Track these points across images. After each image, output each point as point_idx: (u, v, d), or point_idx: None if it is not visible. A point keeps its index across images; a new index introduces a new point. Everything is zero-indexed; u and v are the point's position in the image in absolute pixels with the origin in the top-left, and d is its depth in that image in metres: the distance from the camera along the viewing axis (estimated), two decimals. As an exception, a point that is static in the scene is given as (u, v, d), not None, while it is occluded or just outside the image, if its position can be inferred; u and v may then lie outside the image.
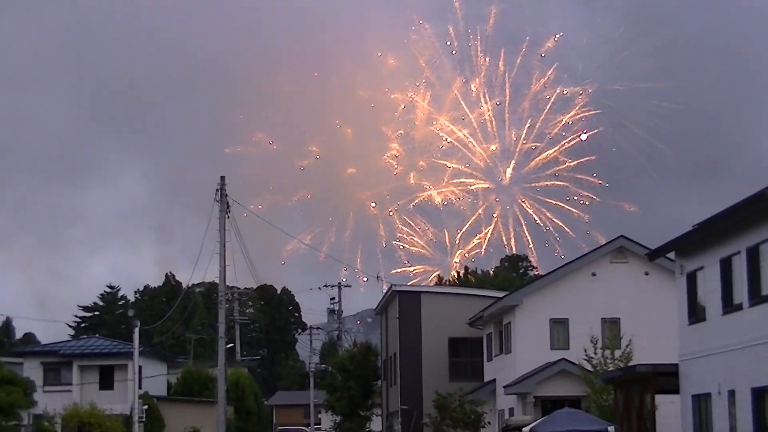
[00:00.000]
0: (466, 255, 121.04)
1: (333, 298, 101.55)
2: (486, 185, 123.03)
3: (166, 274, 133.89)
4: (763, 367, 26.34)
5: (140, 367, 62.29)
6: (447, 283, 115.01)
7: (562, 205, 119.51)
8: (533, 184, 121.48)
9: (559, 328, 48.28)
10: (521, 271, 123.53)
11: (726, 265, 28.75)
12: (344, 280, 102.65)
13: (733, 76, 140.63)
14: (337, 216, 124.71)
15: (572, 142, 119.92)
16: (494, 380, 53.09)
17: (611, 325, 47.17)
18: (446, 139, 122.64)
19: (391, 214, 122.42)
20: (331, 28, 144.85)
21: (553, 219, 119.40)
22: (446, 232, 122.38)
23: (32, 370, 68.90)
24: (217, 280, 57.82)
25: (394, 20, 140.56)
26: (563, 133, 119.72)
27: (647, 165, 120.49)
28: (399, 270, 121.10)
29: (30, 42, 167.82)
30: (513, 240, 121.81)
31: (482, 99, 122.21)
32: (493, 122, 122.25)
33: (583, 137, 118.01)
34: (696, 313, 31.10)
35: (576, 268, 49.17)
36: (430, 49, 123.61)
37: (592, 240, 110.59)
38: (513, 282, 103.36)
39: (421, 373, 59.88)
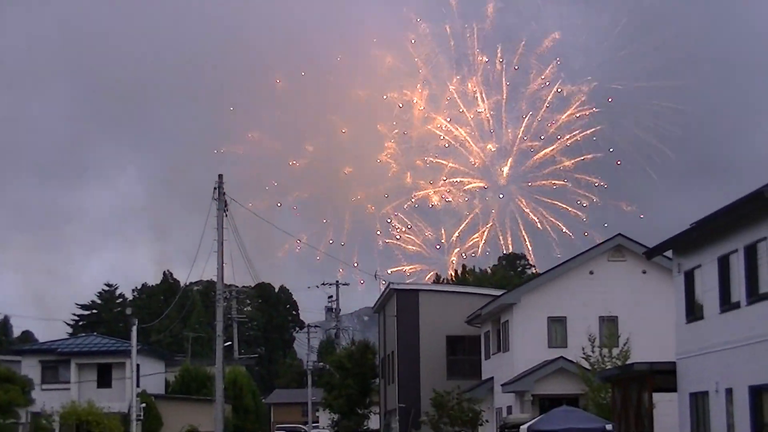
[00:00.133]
0: (464, 254, 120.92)
1: (331, 297, 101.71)
2: (483, 184, 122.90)
3: (164, 272, 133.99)
4: (761, 366, 26.31)
5: (138, 365, 62.25)
6: (445, 281, 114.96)
7: (560, 204, 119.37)
8: (531, 184, 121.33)
9: (557, 326, 48.22)
10: (519, 269, 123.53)
11: (724, 264, 28.70)
12: (341, 278, 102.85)
13: (733, 75, 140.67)
14: (335, 215, 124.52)
15: (570, 141, 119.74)
16: (492, 378, 53.08)
17: (609, 324, 47.14)
18: (443, 137, 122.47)
19: (388, 214, 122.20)
20: (328, 26, 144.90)
21: (551, 218, 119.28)
22: (443, 231, 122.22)
23: (30, 368, 68.97)
24: (214, 279, 57.72)
25: (390, 19, 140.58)
26: (561, 132, 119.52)
27: (646, 164, 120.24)
28: (396, 269, 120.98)
29: (28, 42, 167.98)
30: (510, 239, 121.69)
31: (479, 98, 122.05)
32: (491, 121, 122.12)
33: (581, 136, 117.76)
34: (693, 312, 31.08)
35: (574, 266, 49.09)
36: (427, 48, 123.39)
37: (590, 239, 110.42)
38: (511, 280, 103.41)
39: (419, 371, 59.89)
